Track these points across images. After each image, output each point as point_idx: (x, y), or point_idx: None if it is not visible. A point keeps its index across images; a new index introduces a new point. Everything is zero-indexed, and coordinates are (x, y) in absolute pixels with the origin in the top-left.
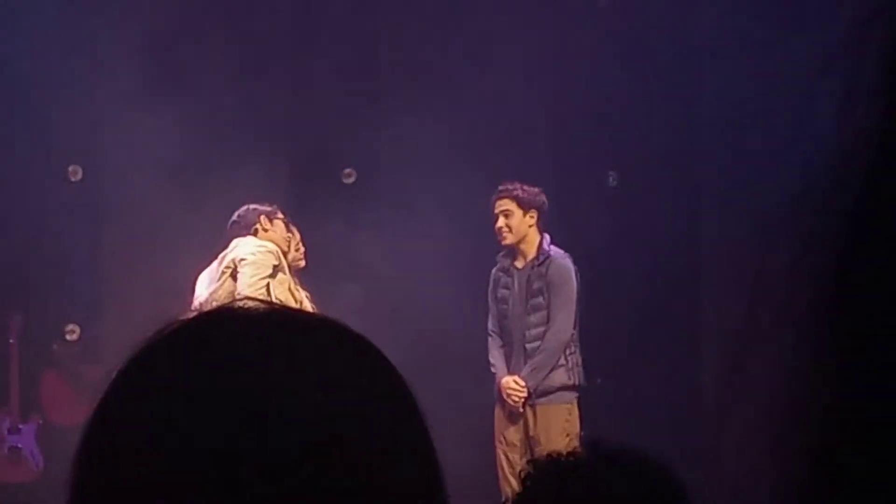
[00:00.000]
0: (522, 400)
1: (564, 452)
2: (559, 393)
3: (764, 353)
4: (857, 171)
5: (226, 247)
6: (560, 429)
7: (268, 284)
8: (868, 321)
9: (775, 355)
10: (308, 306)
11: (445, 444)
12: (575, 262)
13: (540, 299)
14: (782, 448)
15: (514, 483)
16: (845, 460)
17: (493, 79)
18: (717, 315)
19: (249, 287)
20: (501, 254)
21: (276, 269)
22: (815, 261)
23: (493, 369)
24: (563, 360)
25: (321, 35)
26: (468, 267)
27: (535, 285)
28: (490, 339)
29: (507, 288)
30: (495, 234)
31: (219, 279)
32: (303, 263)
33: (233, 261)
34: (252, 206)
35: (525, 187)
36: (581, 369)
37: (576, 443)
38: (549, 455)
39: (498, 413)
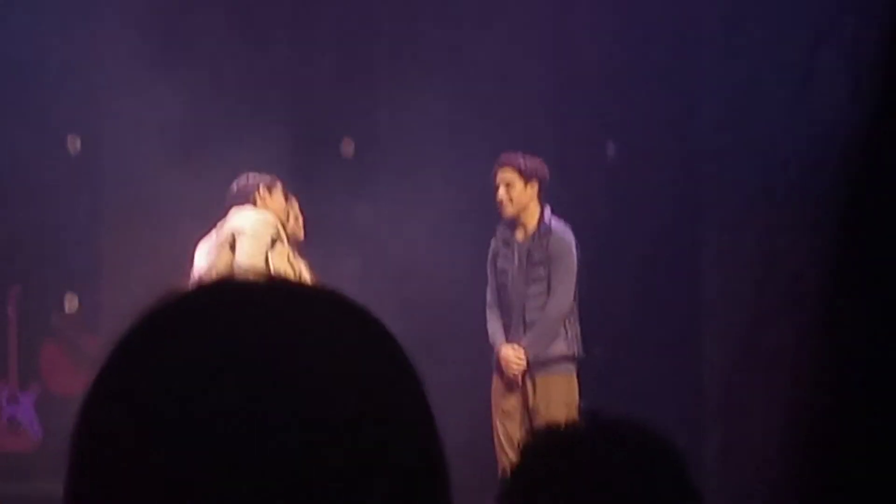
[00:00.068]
0: (522, 370)
1: (563, 423)
2: (559, 363)
3: (772, 327)
4: (859, 141)
5: (224, 217)
6: (560, 399)
7: (266, 255)
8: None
9: (784, 330)
10: (307, 277)
11: (444, 415)
12: (574, 234)
13: (541, 270)
14: (785, 422)
15: (511, 453)
16: (850, 431)
17: (492, 49)
18: (717, 285)
19: (248, 258)
20: (501, 225)
21: (275, 239)
22: (821, 234)
23: (491, 340)
24: (562, 331)
25: (321, 4)
26: (467, 237)
27: (536, 256)
28: (488, 310)
29: (506, 259)
30: (495, 205)
31: (217, 250)
32: (301, 234)
33: (231, 231)
34: (251, 177)
35: (527, 158)
36: (580, 340)
37: (575, 413)
38: (547, 426)
39: (496, 384)
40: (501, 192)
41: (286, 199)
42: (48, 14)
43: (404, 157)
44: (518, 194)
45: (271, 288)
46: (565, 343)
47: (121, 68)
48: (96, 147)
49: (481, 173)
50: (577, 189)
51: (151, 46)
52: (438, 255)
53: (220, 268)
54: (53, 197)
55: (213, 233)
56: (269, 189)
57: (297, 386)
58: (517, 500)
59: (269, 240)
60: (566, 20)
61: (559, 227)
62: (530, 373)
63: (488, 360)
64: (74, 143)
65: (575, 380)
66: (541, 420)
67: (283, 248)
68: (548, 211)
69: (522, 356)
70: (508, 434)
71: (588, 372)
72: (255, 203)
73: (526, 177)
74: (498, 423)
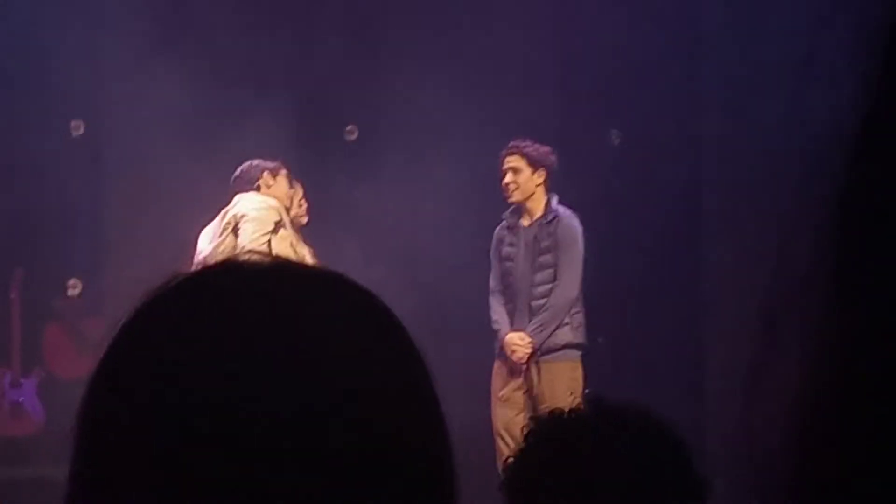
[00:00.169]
0: (527, 356)
1: (567, 409)
2: (565, 350)
3: (777, 318)
4: (863, 130)
5: (228, 202)
6: (565, 386)
7: (269, 240)
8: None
9: (789, 322)
10: (311, 263)
11: (446, 399)
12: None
13: (548, 257)
14: (787, 415)
15: (509, 440)
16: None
17: (496, 36)
18: (720, 274)
19: (251, 243)
20: (507, 211)
21: (278, 225)
22: (825, 224)
23: (495, 326)
24: (567, 319)
25: None
26: (471, 223)
27: (544, 243)
28: (492, 296)
29: (512, 245)
30: (500, 191)
31: (220, 235)
32: (305, 220)
33: (234, 217)
34: (255, 162)
35: (536, 145)
36: (584, 329)
37: (580, 401)
38: (551, 411)
39: (497, 370)
40: (508, 177)
41: (290, 184)
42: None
43: (408, 143)
44: (525, 181)
45: (275, 270)
46: (571, 331)
47: (125, 54)
48: (100, 132)
49: (485, 160)
50: (580, 177)
51: (156, 32)
52: (442, 240)
53: (224, 252)
54: (57, 181)
55: (217, 218)
56: (274, 175)
57: (300, 367)
58: (521, 485)
59: (272, 225)
60: (571, 7)
61: (567, 214)
62: (535, 359)
63: (491, 345)
64: (78, 128)
65: (580, 367)
66: (545, 407)
67: (287, 233)
68: (555, 199)
69: (529, 342)
70: (506, 420)
71: (590, 361)
72: (259, 189)
73: (533, 164)
74: (498, 409)
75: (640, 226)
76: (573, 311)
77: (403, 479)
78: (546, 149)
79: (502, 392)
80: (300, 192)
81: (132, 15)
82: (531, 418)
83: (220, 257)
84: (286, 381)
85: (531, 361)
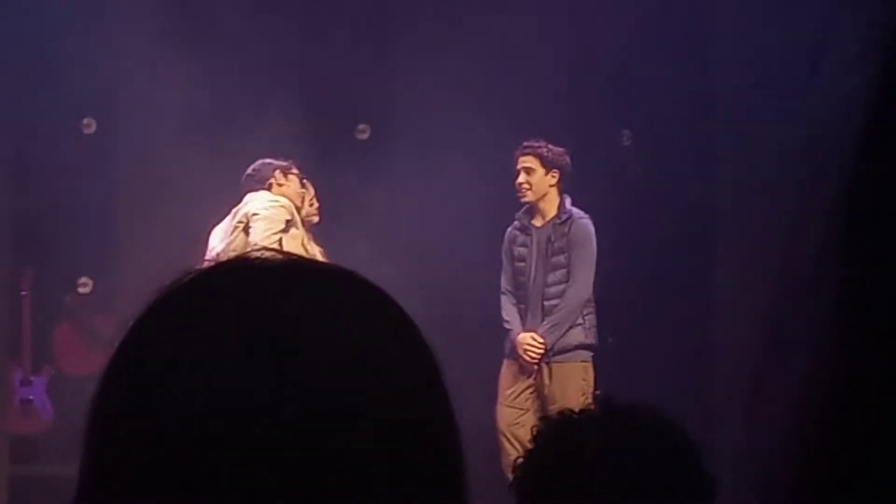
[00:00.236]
0: (539, 356)
1: (577, 409)
2: (576, 351)
3: (788, 317)
4: (873, 131)
5: (239, 201)
6: (576, 387)
7: (280, 239)
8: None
9: (800, 321)
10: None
11: (456, 397)
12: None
13: (561, 258)
14: (797, 413)
15: (512, 439)
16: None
17: (507, 36)
18: (731, 274)
19: (262, 241)
20: (520, 211)
21: (289, 223)
22: (837, 225)
23: (506, 325)
24: (580, 320)
25: None
26: (483, 222)
27: (557, 244)
28: (503, 296)
29: (524, 246)
30: (513, 190)
31: (231, 233)
32: (316, 219)
33: (245, 215)
34: (267, 161)
35: (550, 146)
36: (595, 330)
37: (590, 401)
38: (560, 412)
39: (506, 369)
40: (522, 177)
41: (301, 183)
42: None
43: (419, 142)
44: (538, 181)
45: (287, 266)
46: (583, 331)
47: (137, 52)
48: (111, 130)
49: (496, 159)
50: (592, 177)
51: (168, 30)
52: (454, 240)
53: (234, 250)
54: (68, 179)
55: (228, 217)
56: (285, 174)
57: (312, 363)
58: (531, 485)
59: (283, 224)
60: (583, 6)
61: (580, 215)
62: (547, 359)
63: (501, 345)
64: (90, 126)
65: (591, 368)
66: (556, 408)
67: (298, 232)
68: (568, 200)
69: (541, 342)
70: (510, 420)
71: (599, 361)
72: (270, 187)
73: (547, 165)
74: (504, 408)
75: (649, 226)
76: (585, 311)
77: (415, 476)
78: (560, 150)
79: (510, 391)
80: (311, 191)
81: (144, 13)
82: (541, 419)
83: (231, 256)
84: (298, 376)
85: (542, 361)
